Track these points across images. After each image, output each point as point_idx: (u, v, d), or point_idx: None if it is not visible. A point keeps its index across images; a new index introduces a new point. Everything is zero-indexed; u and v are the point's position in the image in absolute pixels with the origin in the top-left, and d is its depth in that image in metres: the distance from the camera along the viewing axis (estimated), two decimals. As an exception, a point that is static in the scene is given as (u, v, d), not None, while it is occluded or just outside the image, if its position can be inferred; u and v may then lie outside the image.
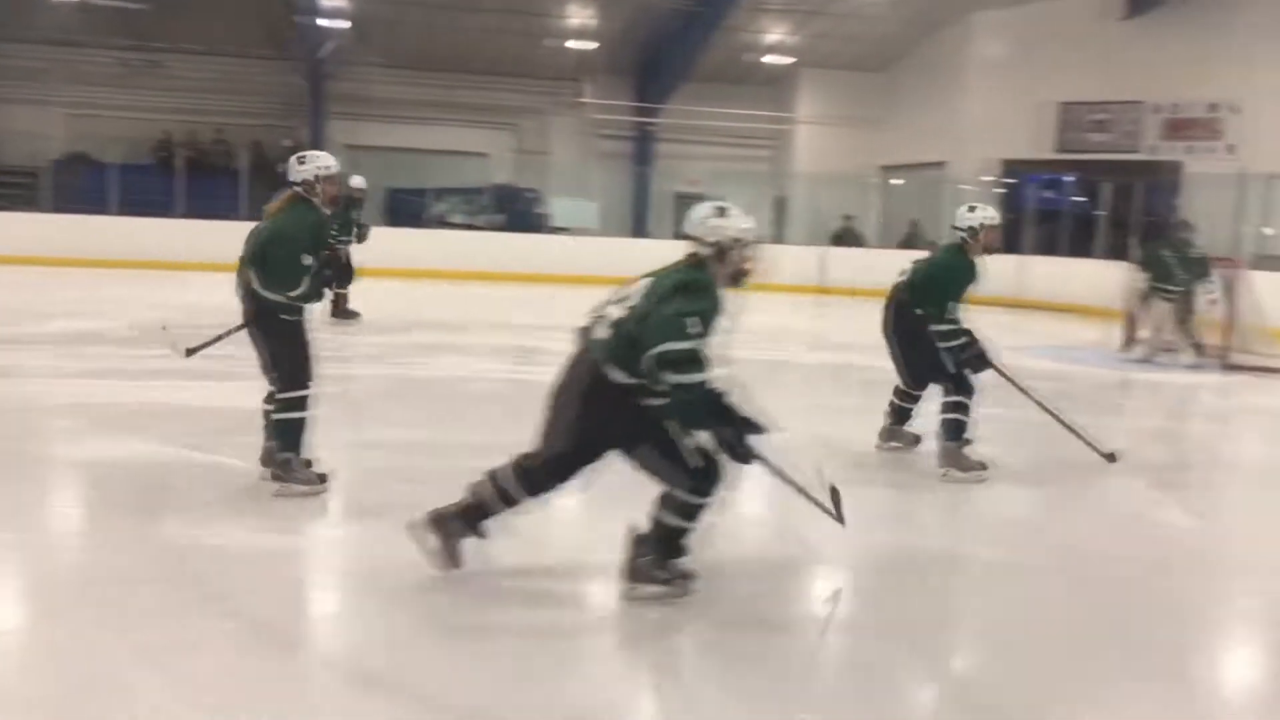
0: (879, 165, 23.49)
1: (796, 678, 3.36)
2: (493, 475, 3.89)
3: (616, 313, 3.74)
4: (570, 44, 22.49)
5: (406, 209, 20.82)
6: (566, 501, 4.31)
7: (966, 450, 5.84)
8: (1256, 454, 7.78)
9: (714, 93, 24.29)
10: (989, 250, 5.89)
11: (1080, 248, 19.02)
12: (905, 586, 4.28)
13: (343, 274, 9.83)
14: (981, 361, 5.80)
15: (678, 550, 3.85)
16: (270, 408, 5.01)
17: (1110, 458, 6.10)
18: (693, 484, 3.71)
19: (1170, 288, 11.04)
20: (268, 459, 5.07)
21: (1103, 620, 3.97)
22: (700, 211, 3.85)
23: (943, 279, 5.81)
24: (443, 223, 21.16)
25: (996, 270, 15.26)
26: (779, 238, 23.12)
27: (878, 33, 22.37)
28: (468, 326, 12.11)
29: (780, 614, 3.95)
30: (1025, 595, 4.20)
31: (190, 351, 5.55)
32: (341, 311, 11.31)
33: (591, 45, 22.50)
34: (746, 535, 4.85)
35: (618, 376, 3.67)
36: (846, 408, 8.42)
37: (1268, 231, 16.07)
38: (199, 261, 16.54)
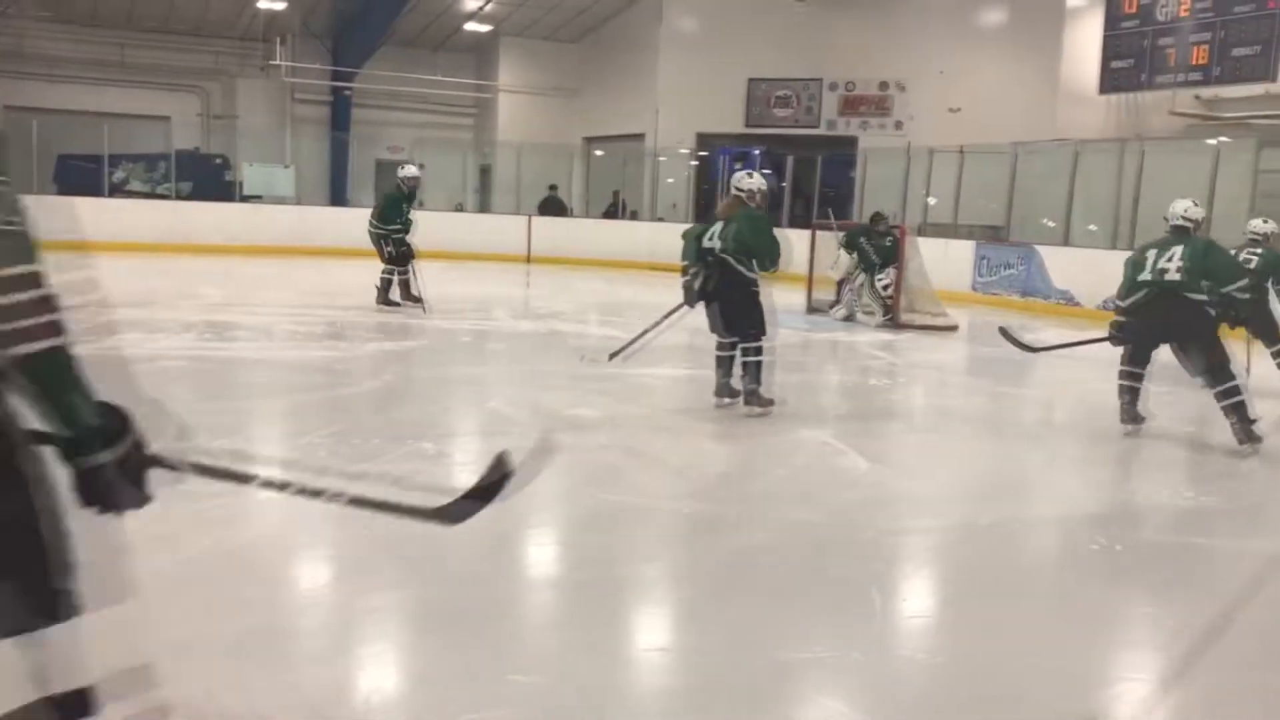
0: (582, 136, 23.83)
1: (509, 638, 3.41)
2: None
3: (1173, 264, 6.20)
4: (260, 3, 21.37)
5: (79, 177, 19.18)
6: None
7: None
8: (922, 404, 8.55)
9: (414, 58, 23.83)
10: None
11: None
12: (615, 542, 4.42)
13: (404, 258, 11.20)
14: None
15: (1251, 420, 6.25)
16: (725, 354, 6.91)
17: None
18: (1225, 371, 6.24)
19: (864, 269, 12.29)
20: (724, 391, 6.92)
21: (800, 561, 4.26)
22: (1184, 203, 6.48)
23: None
24: (122, 191, 19.66)
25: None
26: (485, 206, 23.08)
27: (574, 3, 22.63)
28: (152, 301, 11.34)
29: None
30: (729, 544, 4.43)
31: (613, 356, 7.08)
32: (409, 296, 11.35)
33: (280, 5, 21.48)
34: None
35: (1195, 296, 6.17)
36: (556, 374, 8.54)
37: (931, 201, 17.55)
38: None
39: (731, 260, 6.70)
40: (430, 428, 6.27)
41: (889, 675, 3.29)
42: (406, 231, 11.25)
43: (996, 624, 3.72)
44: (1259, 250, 8.17)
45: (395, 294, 11.25)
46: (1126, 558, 4.56)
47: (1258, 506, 5.63)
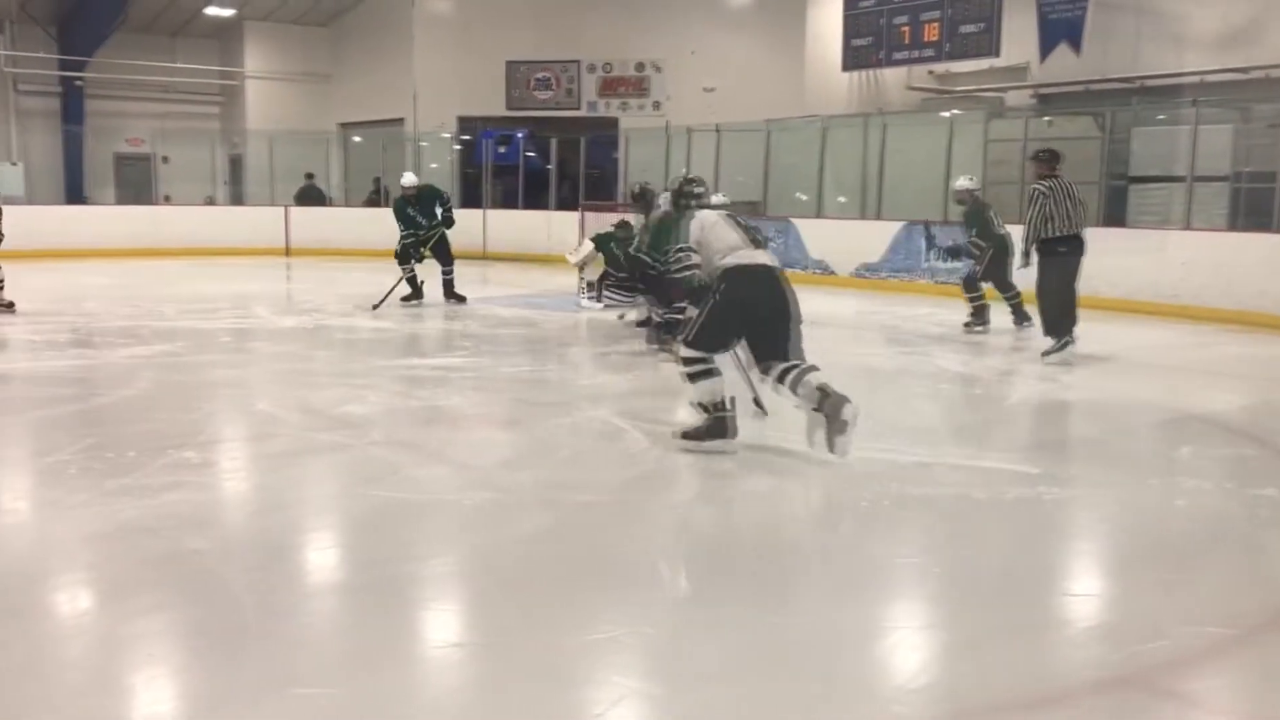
0: (337, 122, 23.12)
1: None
2: None
3: None
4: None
5: None
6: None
7: None
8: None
9: (152, 45, 22.53)
10: None
11: (535, 200, 20.11)
12: (397, 541, 4.32)
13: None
14: None
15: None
16: None
17: None
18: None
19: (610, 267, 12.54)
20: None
21: (582, 541, 4.29)
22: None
23: None
24: None
25: (463, 226, 15.61)
26: (238, 199, 22.09)
27: (320, -14, 21.94)
28: None
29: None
30: (514, 533, 4.41)
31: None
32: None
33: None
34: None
35: None
36: (324, 371, 8.26)
37: (692, 178, 17.95)
38: None
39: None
40: (192, 435, 5.94)
41: (681, 647, 3.35)
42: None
43: (776, 587, 3.86)
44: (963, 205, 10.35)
45: None
46: (894, 512, 4.81)
47: (1004, 456, 6.06)
